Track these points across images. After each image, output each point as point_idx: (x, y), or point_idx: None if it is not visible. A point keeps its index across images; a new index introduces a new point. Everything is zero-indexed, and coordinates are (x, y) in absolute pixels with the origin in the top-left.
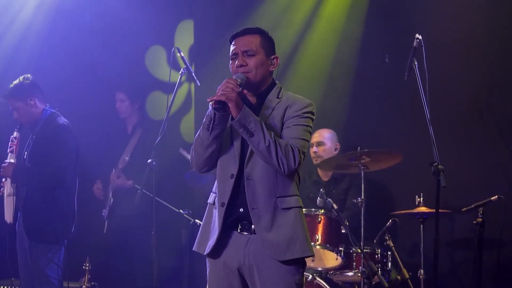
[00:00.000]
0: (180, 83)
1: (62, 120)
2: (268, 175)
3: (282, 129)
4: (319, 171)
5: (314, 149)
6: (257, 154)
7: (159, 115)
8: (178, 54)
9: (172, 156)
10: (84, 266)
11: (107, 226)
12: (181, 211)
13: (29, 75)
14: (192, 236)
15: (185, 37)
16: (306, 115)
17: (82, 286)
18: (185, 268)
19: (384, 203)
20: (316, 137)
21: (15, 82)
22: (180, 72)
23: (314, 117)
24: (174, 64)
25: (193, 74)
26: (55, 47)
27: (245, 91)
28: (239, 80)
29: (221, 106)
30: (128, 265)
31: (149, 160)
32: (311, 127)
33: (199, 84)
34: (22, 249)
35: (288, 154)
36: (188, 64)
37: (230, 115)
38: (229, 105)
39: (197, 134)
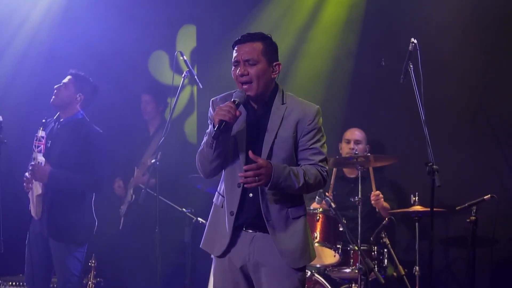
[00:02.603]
0: (183, 86)
1: (95, 128)
2: None
3: (294, 143)
4: (345, 169)
5: (352, 145)
6: None
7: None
8: (181, 58)
9: (175, 156)
10: (90, 263)
11: (123, 223)
12: (184, 209)
13: (97, 83)
14: (195, 234)
15: (187, 41)
16: (318, 125)
17: (88, 282)
18: (188, 264)
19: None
20: (355, 135)
21: (87, 76)
22: (183, 75)
23: (322, 121)
24: (176, 68)
25: (196, 76)
26: (78, 47)
27: (251, 103)
28: (238, 99)
29: (219, 131)
30: (133, 262)
31: (152, 160)
32: (324, 134)
33: (201, 87)
34: (41, 249)
35: (320, 184)
36: (190, 67)
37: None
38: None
39: (201, 147)
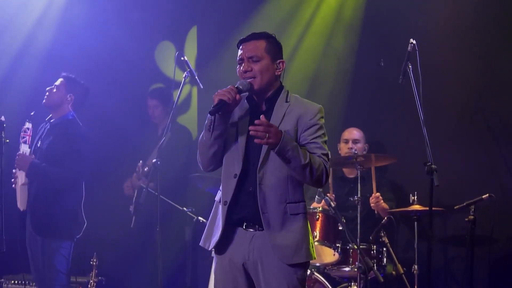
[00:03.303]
0: (185, 84)
1: (83, 128)
2: (279, 182)
3: (295, 138)
4: (344, 169)
5: (350, 145)
6: (292, 174)
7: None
8: (182, 58)
9: (177, 156)
10: (92, 261)
11: (134, 221)
12: (184, 209)
13: (88, 85)
14: (196, 233)
15: (188, 43)
16: (320, 122)
17: (89, 281)
18: (189, 263)
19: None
20: (353, 134)
21: (78, 78)
22: (184, 76)
23: (324, 121)
24: (177, 69)
25: (196, 77)
26: (80, 48)
27: (254, 97)
28: (241, 87)
29: (215, 109)
30: (134, 260)
31: (153, 160)
32: (325, 134)
33: (202, 87)
34: (32, 247)
35: (322, 174)
36: (191, 68)
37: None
38: (270, 139)
39: (200, 135)
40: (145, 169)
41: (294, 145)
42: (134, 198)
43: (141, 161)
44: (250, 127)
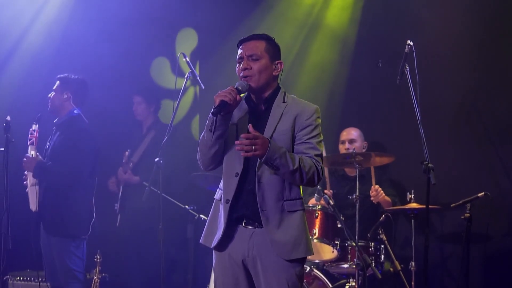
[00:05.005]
0: (186, 87)
1: (85, 123)
2: (277, 180)
3: (292, 136)
4: (346, 168)
5: (347, 145)
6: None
7: (169, 119)
8: (184, 59)
9: (178, 155)
10: (95, 258)
11: (119, 220)
12: (186, 206)
13: (84, 78)
14: (197, 230)
15: (188, 43)
16: (315, 123)
17: (93, 277)
18: (190, 260)
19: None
20: (350, 134)
21: (74, 75)
22: (186, 76)
23: (320, 121)
24: (179, 70)
25: (198, 77)
26: (74, 52)
27: (253, 97)
28: (240, 87)
29: (217, 109)
30: (137, 257)
31: (156, 159)
32: (321, 133)
33: (203, 87)
34: (46, 248)
35: (314, 176)
36: (193, 69)
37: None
38: (258, 152)
39: (201, 135)
40: (130, 165)
41: (282, 153)
42: (120, 194)
43: (128, 150)
44: (236, 142)
